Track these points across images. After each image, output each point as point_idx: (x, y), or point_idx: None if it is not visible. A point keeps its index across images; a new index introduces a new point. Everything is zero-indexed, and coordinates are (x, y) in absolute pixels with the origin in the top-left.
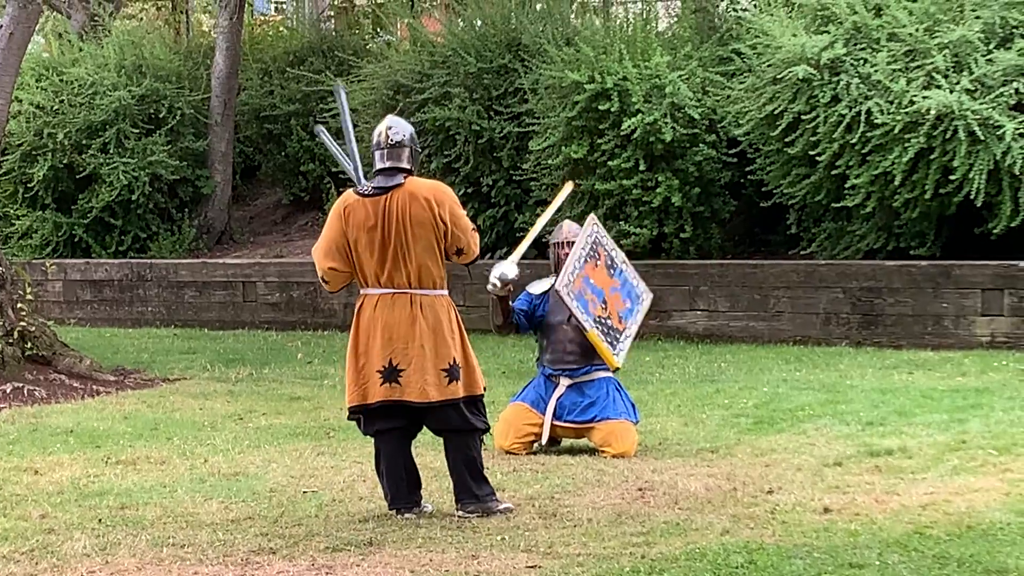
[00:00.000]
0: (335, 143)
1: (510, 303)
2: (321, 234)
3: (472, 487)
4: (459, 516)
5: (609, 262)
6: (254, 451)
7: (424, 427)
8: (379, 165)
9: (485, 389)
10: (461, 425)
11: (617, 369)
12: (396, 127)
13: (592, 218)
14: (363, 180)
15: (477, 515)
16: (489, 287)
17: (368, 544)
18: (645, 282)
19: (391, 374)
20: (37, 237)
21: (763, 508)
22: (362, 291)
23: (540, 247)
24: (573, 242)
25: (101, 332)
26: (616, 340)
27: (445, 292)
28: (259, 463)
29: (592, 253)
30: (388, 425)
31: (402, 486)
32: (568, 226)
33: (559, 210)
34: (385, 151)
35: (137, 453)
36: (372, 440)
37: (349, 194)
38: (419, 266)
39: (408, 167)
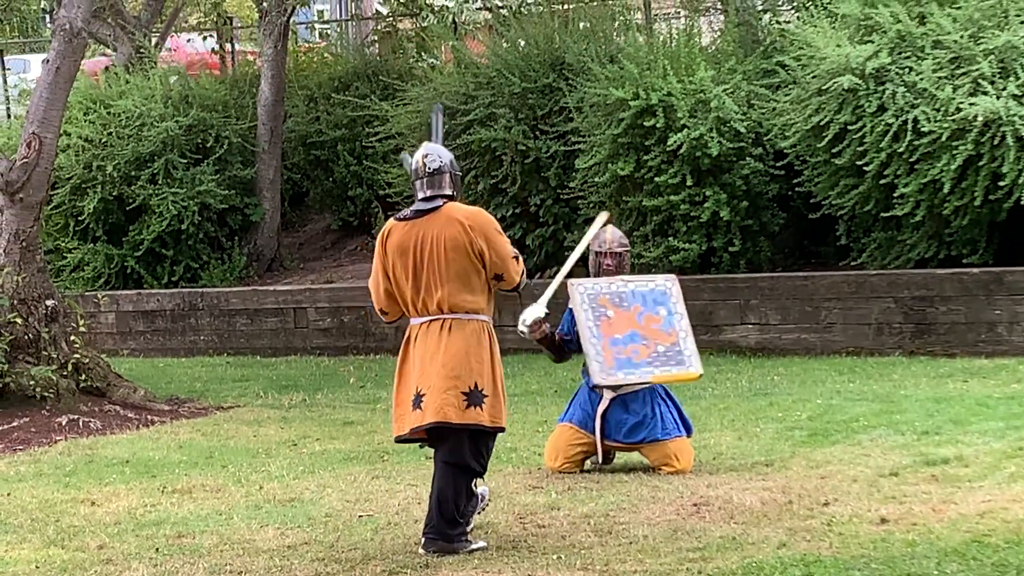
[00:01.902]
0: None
1: (555, 336)
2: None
3: (441, 525)
4: (420, 552)
5: (617, 300)
6: (309, 477)
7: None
8: (420, 195)
9: (503, 429)
10: (458, 460)
11: (700, 375)
12: (432, 154)
13: (571, 284)
14: None
15: (438, 555)
16: (519, 332)
17: (424, 567)
18: (695, 298)
19: (417, 400)
20: (89, 270)
21: (819, 520)
22: (410, 322)
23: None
24: (616, 252)
25: (154, 362)
26: (679, 354)
27: (483, 318)
28: (314, 488)
29: (597, 315)
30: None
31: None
32: (611, 234)
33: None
34: (424, 180)
35: (192, 482)
36: (425, 464)
37: (390, 221)
38: (451, 291)
39: (450, 193)
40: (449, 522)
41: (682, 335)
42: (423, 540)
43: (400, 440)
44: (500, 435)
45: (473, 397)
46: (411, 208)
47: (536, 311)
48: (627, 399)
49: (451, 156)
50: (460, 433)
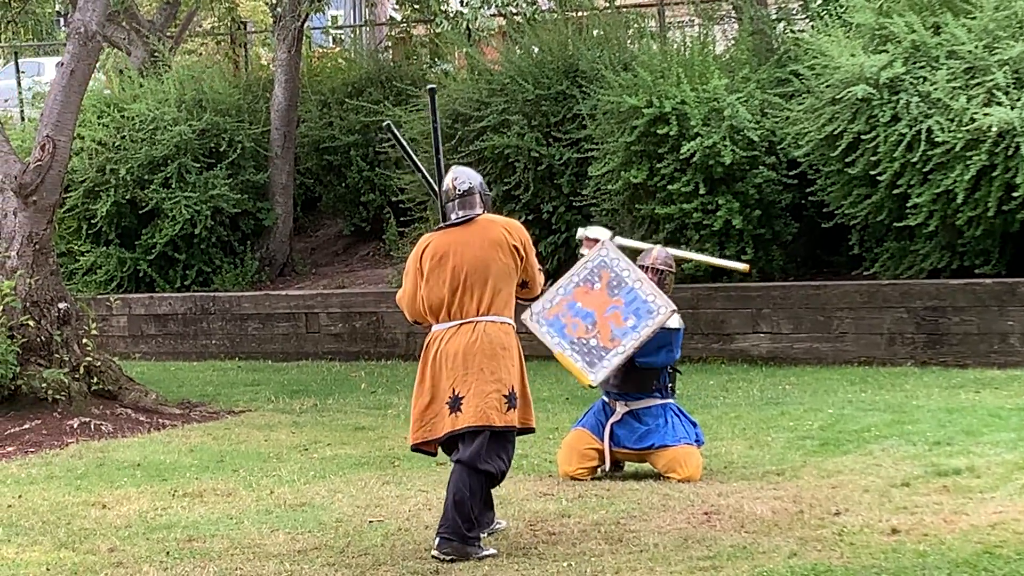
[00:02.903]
0: (407, 144)
1: None
2: (404, 282)
3: (458, 524)
4: (433, 555)
5: (616, 282)
6: (320, 482)
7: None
8: (452, 216)
9: (533, 429)
10: (476, 462)
11: (591, 387)
12: (462, 176)
13: (604, 243)
14: (434, 186)
15: (450, 558)
16: (578, 235)
17: (435, 573)
18: (707, 306)
19: (455, 403)
20: (101, 273)
21: (830, 530)
22: (433, 328)
23: None
24: (660, 268)
25: (166, 366)
26: (598, 359)
27: (512, 321)
28: (325, 493)
29: (589, 277)
30: (453, 456)
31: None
32: (659, 251)
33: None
34: (456, 201)
35: (203, 485)
36: (435, 469)
37: (425, 235)
38: (494, 292)
39: (480, 212)
40: (465, 521)
41: (619, 350)
42: (437, 540)
43: (418, 447)
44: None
45: (511, 400)
46: (447, 223)
47: (604, 232)
48: (640, 412)
49: (480, 179)
50: (488, 435)
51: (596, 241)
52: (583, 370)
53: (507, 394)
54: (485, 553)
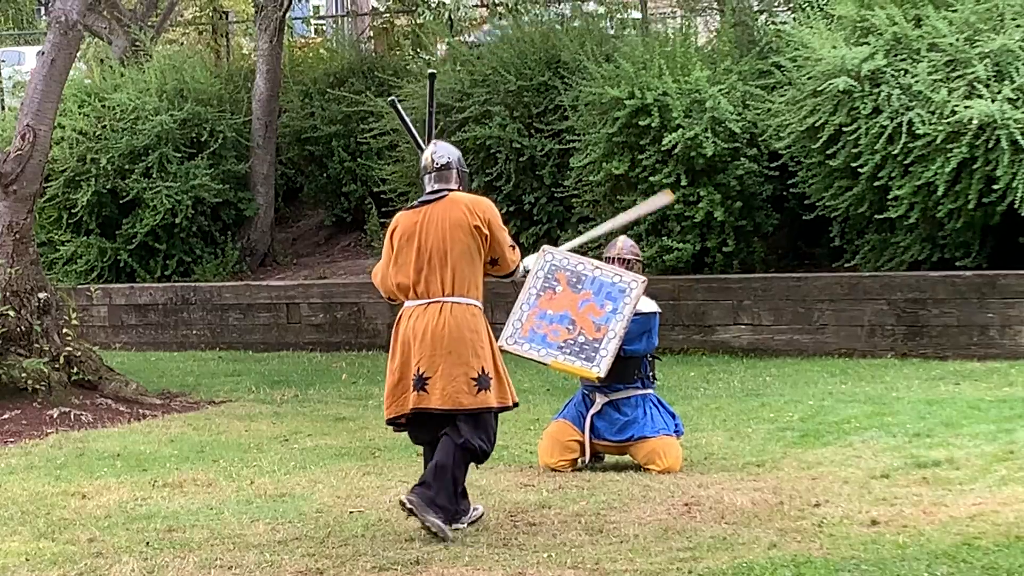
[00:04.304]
0: (407, 119)
1: None
2: (380, 259)
3: (432, 490)
4: (401, 500)
5: (574, 280)
6: (300, 472)
7: None
8: (427, 188)
9: (516, 404)
10: (460, 439)
11: (600, 378)
12: (440, 151)
13: (543, 250)
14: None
15: (410, 508)
16: (522, 269)
17: (415, 563)
18: (688, 298)
19: (419, 382)
20: (82, 262)
21: (810, 521)
22: (404, 304)
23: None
24: (626, 258)
25: (146, 356)
26: (595, 352)
27: (478, 303)
28: (305, 484)
29: (545, 286)
30: (427, 438)
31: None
32: (623, 241)
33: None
34: (433, 174)
35: (184, 476)
36: (416, 460)
37: (399, 213)
38: (455, 272)
39: (455, 187)
40: (441, 488)
41: (610, 335)
42: (411, 494)
43: (391, 421)
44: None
45: (482, 381)
46: (419, 200)
47: (545, 252)
48: (619, 403)
49: (459, 154)
50: (464, 417)
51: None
52: (584, 367)
53: (476, 376)
54: (448, 530)
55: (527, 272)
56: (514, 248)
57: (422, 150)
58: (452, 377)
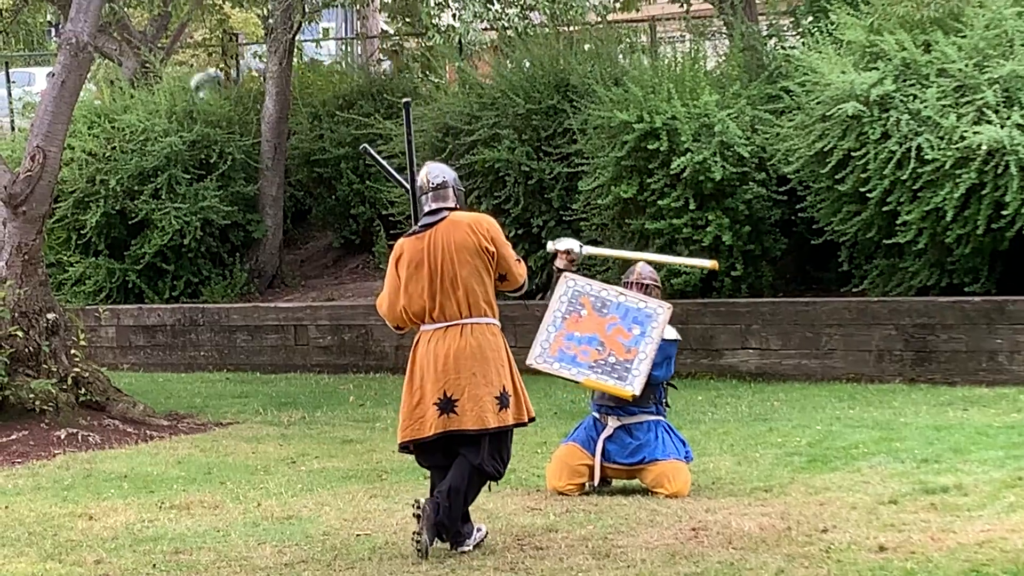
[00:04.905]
0: (382, 161)
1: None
2: (384, 287)
3: (447, 515)
4: (419, 500)
5: (599, 305)
6: (307, 495)
7: None
8: (426, 208)
9: (533, 419)
10: (479, 462)
11: (635, 396)
12: (434, 171)
13: (565, 275)
14: (411, 189)
15: (418, 519)
16: (548, 248)
17: None
18: (696, 322)
19: (447, 405)
20: (90, 283)
21: (818, 547)
22: (420, 329)
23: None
24: (644, 283)
25: (154, 377)
26: (626, 371)
27: (495, 321)
28: (312, 506)
29: (571, 309)
30: (439, 461)
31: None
32: (642, 267)
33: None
34: (430, 194)
35: (191, 498)
36: (423, 483)
37: (401, 239)
38: (467, 292)
39: (453, 205)
40: (454, 511)
41: (641, 356)
42: (430, 496)
43: (406, 445)
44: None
45: (503, 400)
46: (419, 224)
47: (573, 243)
48: (632, 427)
49: (454, 174)
50: (487, 438)
51: (568, 252)
52: (618, 385)
53: (498, 395)
54: (428, 545)
55: (556, 252)
56: (520, 262)
57: (405, 188)
58: (479, 398)
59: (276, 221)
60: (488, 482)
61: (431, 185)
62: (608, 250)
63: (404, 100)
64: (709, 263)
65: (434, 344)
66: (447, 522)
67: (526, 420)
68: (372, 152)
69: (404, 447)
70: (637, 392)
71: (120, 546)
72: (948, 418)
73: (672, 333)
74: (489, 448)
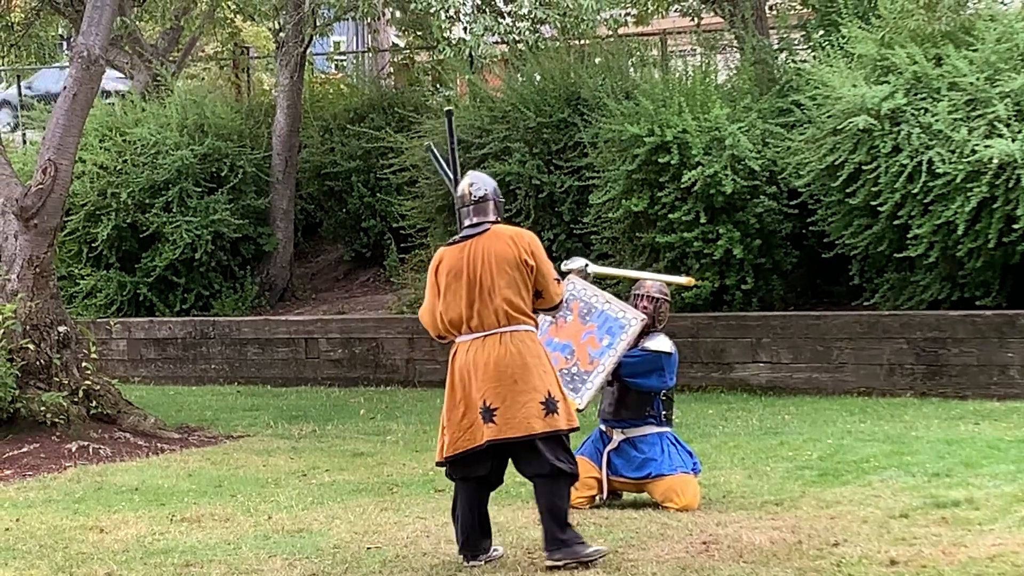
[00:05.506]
0: (445, 166)
1: None
2: (425, 296)
3: (557, 534)
4: (548, 565)
5: (585, 311)
6: (318, 508)
7: (499, 481)
8: (467, 222)
9: (577, 428)
10: (549, 471)
11: (579, 411)
12: (478, 182)
13: (569, 277)
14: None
15: (566, 562)
16: (563, 267)
17: None
18: (707, 335)
19: (487, 414)
20: (101, 296)
21: (829, 561)
22: (456, 340)
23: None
24: (653, 296)
25: (165, 390)
26: (581, 383)
27: (533, 328)
28: (323, 519)
29: (558, 315)
30: (472, 473)
31: (473, 533)
32: (652, 281)
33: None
34: (471, 207)
35: (201, 510)
36: (434, 496)
37: (441, 248)
38: (505, 301)
39: (494, 219)
40: (562, 526)
41: (599, 370)
42: (547, 554)
43: (452, 459)
44: (508, 471)
45: (549, 405)
46: (459, 235)
47: (582, 262)
48: (636, 440)
49: (495, 184)
50: (539, 444)
51: (580, 272)
52: (570, 397)
53: (544, 400)
54: (590, 550)
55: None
56: (559, 282)
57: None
58: (522, 404)
59: (287, 234)
60: (569, 483)
61: (473, 198)
62: (613, 269)
63: (447, 109)
64: (685, 280)
65: (473, 354)
66: (564, 537)
67: (576, 426)
68: (436, 153)
69: (447, 461)
70: (582, 406)
71: (131, 559)
72: (959, 432)
73: (664, 345)
74: (551, 450)
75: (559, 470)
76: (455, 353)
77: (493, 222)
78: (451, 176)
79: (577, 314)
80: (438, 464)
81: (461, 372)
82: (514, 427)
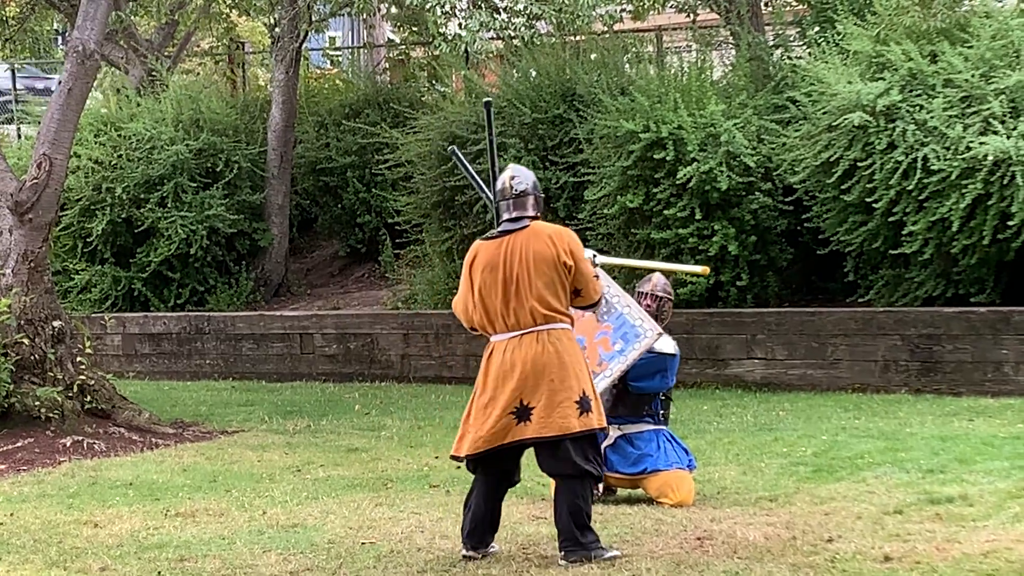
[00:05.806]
0: (470, 168)
1: None
2: (459, 288)
3: (576, 535)
4: (561, 564)
5: (604, 309)
6: (312, 503)
7: (518, 478)
8: (505, 216)
9: (603, 428)
10: (574, 471)
11: None
12: (519, 176)
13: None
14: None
15: (580, 563)
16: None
17: None
18: (701, 331)
19: (523, 413)
20: (96, 291)
21: (823, 557)
22: (491, 339)
23: None
24: (658, 295)
25: (160, 385)
26: None
27: (569, 326)
28: (317, 515)
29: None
30: (496, 467)
31: (482, 525)
32: (658, 278)
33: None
34: (511, 201)
35: (196, 505)
36: (428, 492)
37: (477, 242)
38: (541, 300)
39: (534, 214)
40: (582, 530)
41: (606, 374)
42: (562, 553)
43: (476, 456)
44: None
45: (584, 404)
46: (498, 229)
47: (587, 253)
48: (632, 436)
49: (535, 178)
50: (568, 443)
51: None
52: None
53: (579, 399)
54: (609, 554)
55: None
56: (597, 278)
57: (489, 199)
58: (558, 403)
59: (282, 230)
60: (592, 484)
61: (513, 192)
62: (621, 259)
63: (485, 100)
64: (701, 269)
65: (510, 353)
66: (583, 539)
67: (606, 426)
68: (460, 156)
69: (471, 458)
70: None
71: (125, 553)
72: (953, 428)
73: (669, 346)
74: (578, 452)
75: (585, 471)
76: (491, 352)
77: (532, 217)
78: (478, 179)
79: (597, 311)
80: (452, 458)
81: (497, 372)
82: (550, 426)
